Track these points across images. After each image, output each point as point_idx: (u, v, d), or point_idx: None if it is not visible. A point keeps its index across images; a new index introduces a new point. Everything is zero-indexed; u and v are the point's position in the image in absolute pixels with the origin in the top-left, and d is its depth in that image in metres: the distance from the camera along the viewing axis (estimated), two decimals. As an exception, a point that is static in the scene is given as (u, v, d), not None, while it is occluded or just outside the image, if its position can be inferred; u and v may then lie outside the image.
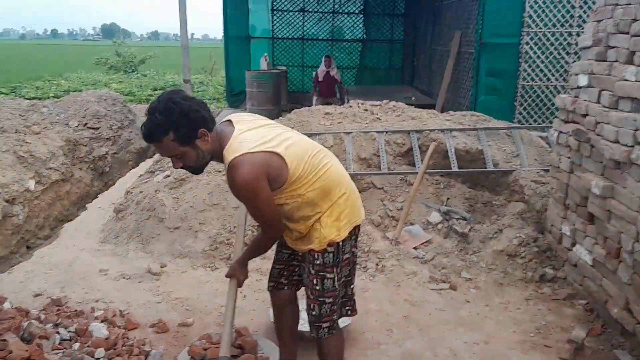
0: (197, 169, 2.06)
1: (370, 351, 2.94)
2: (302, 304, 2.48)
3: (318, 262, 2.16)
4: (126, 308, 3.26)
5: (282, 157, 1.99)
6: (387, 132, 5.02)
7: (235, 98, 11.18)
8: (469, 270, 3.90)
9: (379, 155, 4.85)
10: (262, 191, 1.95)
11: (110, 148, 8.61)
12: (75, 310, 3.07)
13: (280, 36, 12.83)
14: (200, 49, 31.67)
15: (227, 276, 2.34)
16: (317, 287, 2.18)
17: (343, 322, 2.59)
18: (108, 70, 21.73)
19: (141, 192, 4.74)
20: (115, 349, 2.47)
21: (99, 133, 8.59)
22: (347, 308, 2.39)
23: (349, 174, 2.37)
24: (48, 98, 12.24)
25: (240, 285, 2.32)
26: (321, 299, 2.20)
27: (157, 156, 5.96)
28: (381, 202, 4.58)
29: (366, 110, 5.54)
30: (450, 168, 4.72)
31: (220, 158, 2.01)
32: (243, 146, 1.94)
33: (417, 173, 4.58)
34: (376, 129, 5.09)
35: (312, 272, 2.18)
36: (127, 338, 2.79)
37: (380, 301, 3.49)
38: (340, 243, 2.16)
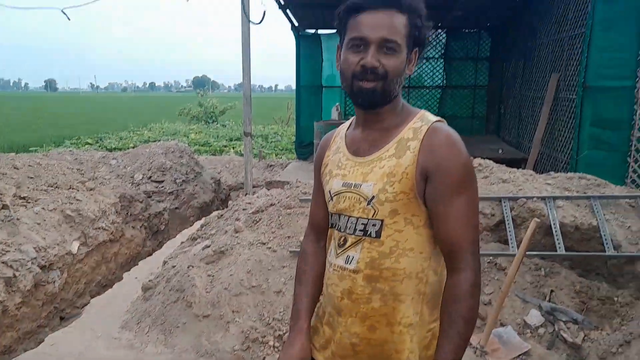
0: (382, 89, 1.36)
1: None
2: None
3: None
4: None
5: None
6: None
7: (305, 150, 10.64)
8: (589, 402, 2.78)
9: (459, 229, 3.87)
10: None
11: (172, 203, 8.30)
12: None
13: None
14: (281, 99, 32.23)
15: None
16: None
17: None
18: (190, 121, 22.42)
19: (174, 266, 4.09)
20: None
21: (162, 187, 8.36)
22: None
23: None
24: (128, 148, 12.51)
25: None
26: None
27: (204, 219, 5.35)
28: (462, 292, 3.57)
29: (444, 170, 4.59)
30: (555, 249, 3.63)
31: (391, 114, 1.41)
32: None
33: (510, 255, 3.55)
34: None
35: None
36: None
37: None
38: None
